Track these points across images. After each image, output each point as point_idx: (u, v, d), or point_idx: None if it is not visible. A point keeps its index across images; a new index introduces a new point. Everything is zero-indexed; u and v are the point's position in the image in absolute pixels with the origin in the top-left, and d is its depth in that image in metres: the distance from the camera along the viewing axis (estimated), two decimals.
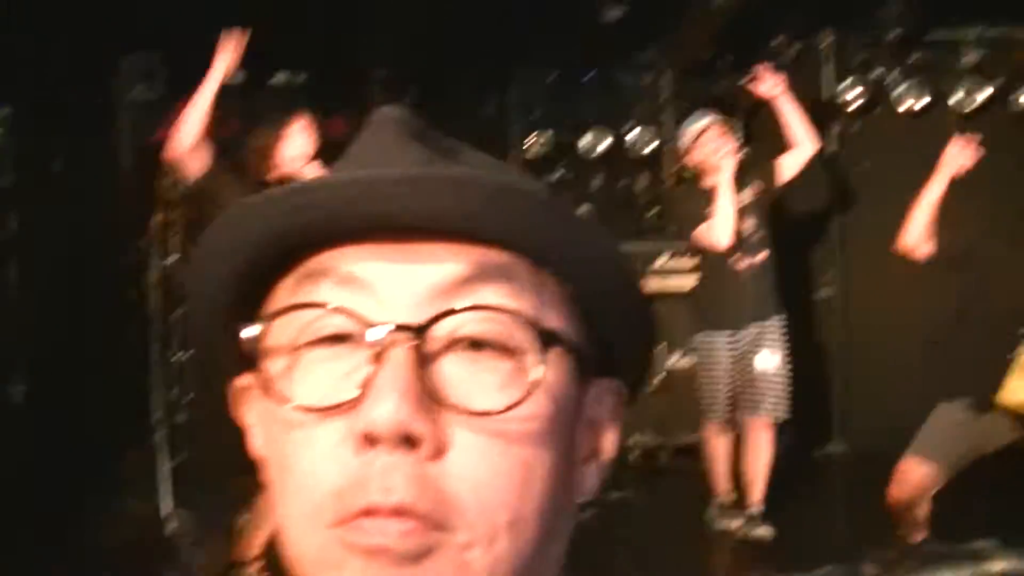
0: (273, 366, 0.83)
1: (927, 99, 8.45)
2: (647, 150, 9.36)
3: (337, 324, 0.81)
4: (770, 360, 6.40)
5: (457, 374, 0.79)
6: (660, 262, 8.22)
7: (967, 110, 8.26)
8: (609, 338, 0.90)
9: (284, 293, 0.85)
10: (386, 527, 0.76)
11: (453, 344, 0.80)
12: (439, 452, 0.77)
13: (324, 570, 0.78)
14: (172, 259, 7.76)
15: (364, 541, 0.76)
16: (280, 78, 10.40)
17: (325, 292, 0.82)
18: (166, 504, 6.62)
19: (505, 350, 0.81)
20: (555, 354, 0.82)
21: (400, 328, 0.78)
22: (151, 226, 8.64)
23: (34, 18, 8.33)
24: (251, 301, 0.87)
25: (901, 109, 8.50)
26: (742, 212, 6.36)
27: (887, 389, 8.14)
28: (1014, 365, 5.27)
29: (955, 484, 6.02)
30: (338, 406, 0.78)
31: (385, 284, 0.81)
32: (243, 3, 6.93)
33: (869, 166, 8.45)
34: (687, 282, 7.26)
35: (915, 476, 5.33)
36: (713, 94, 8.61)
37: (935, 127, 7.79)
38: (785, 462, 7.76)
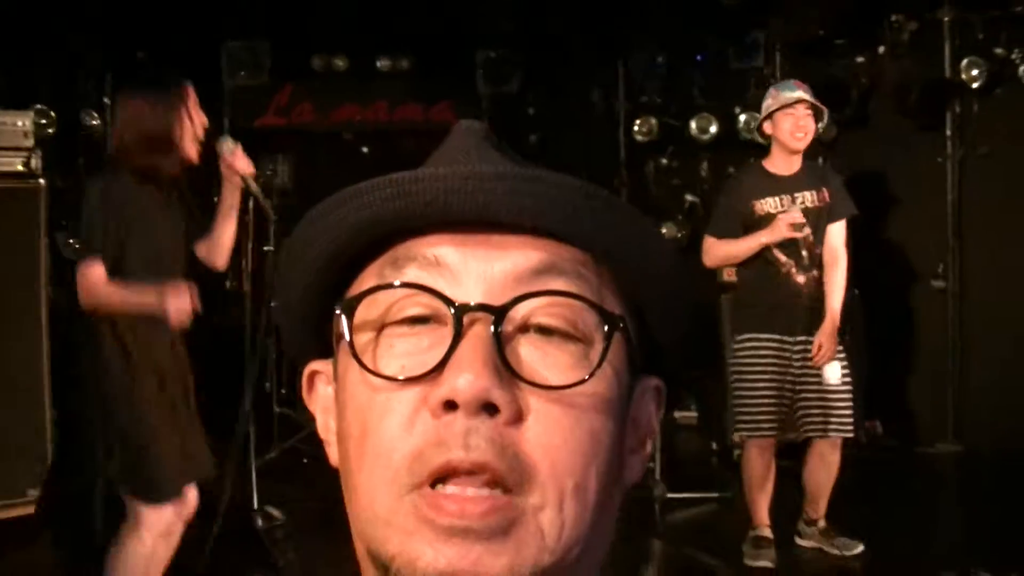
0: (360, 341, 0.89)
1: None
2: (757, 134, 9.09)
3: (420, 305, 0.88)
4: (836, 372, 5.88)
5: (531, 354, 0.87)
6: None
7: None
8: (655, 336, 0.99)
9: (371, 277, 0.92)
10: (466, 508, 0.81)
11: (526, 328, 0.87)
12: (516, 420, 0.83)
13: (396, 534, 0.83)
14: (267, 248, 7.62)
15: (444, 521, 0.81)
16: (385, 63, 10.36)
17: (411, 275, 0.89)
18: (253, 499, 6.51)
19: (572, 336, 0.88)
20: (617, 339, 0.89)
21: (481, 307, 0.85)
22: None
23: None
24: (339, 287, 0.96)
25: None
26: (805, 214, 5.90)
27: (1004, 385, 7.75)
28: None
29: None
30: (421, 376, 0.84)
31: (466, 270, 0.88)
32: None
33: (987, 151, 8.00)
34: None
35: None
36: (827, 76, 8.32)
37: None
38: (897, 461, 7.47)
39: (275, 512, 6.51)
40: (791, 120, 5.88)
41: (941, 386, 8.26)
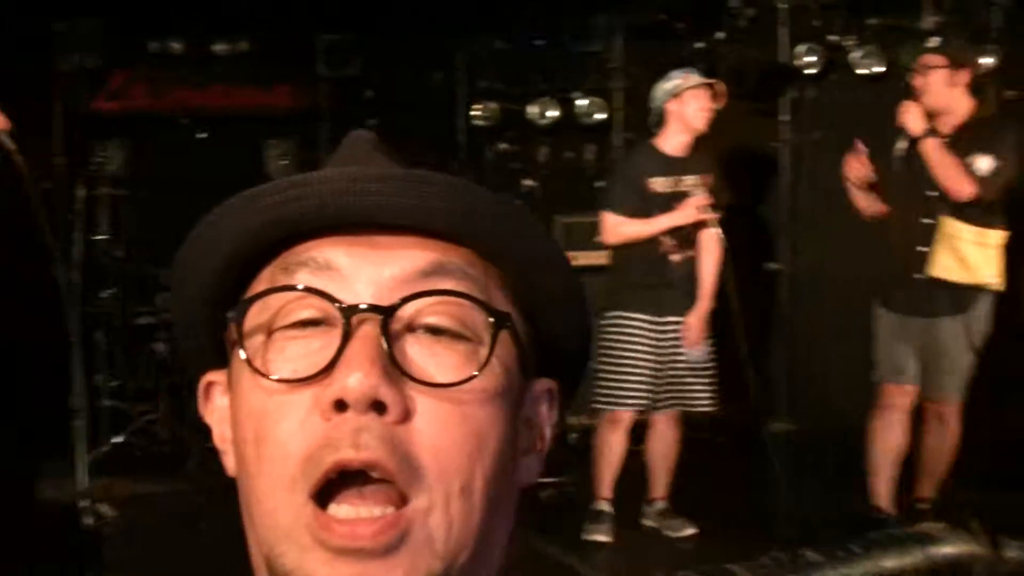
0: (251, 346, 0.91)
1: (883, 66, 8.15)
2: (596, 119, 9.10)
3: (311, 307, 0.89)
4: (702, 351, 6.07)
5: (419, 352, 0.88)
6: None
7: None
8: (548, 339, 1.00)
9: (263, 282, 0.93)
10: (357, 530, 0.82)
11: (415, 328, 0.89)
12: (404, 418, 0.85)
13: (293, 549, 0.84)
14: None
15: (336, 543, 0.82)
16: (222, 46, 10.12)
17: (302, 279, 0.90)
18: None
19: (461, 336, 0.90)
20: (504, 336, 0.91)
21: (370, 308, 0.87)
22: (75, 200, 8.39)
23: None
24: (233, 295, 0.95)
25: (859, 73, 8.20)
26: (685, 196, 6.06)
27: (835, 365, 7.97)
28: (938, 239, 5.66)
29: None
30: (311, 377, 0.86)
31: (356, 273, 0.89)
32: None
33: (821, 136, 8.23)
34: None
35: None
36: (666, 61, 8.36)
37: (892, 94, 7.59)
38: (731, 441, 7.55)
39: (105, 509, 6.26)
40: (699, 100, 6.08)
41: (774, 366, 8.42)
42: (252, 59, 10.15)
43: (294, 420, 0.85)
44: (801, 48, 8.35)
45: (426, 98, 10.03)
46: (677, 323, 6.02)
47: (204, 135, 10.15)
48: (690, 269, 6.08)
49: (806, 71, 8.37)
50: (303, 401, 0.86)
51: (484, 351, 0.89)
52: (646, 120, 6.37)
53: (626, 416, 6.07)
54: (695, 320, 6.02)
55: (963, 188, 5.58)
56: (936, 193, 5.69)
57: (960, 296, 5.73)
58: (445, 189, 0.91)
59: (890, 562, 2.99)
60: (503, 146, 9.80)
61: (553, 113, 9.39)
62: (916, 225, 5.77)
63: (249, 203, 0.92)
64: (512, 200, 1.01)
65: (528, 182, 9.61)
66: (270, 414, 0.87)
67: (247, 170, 8.96)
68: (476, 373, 0.88)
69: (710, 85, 6.17)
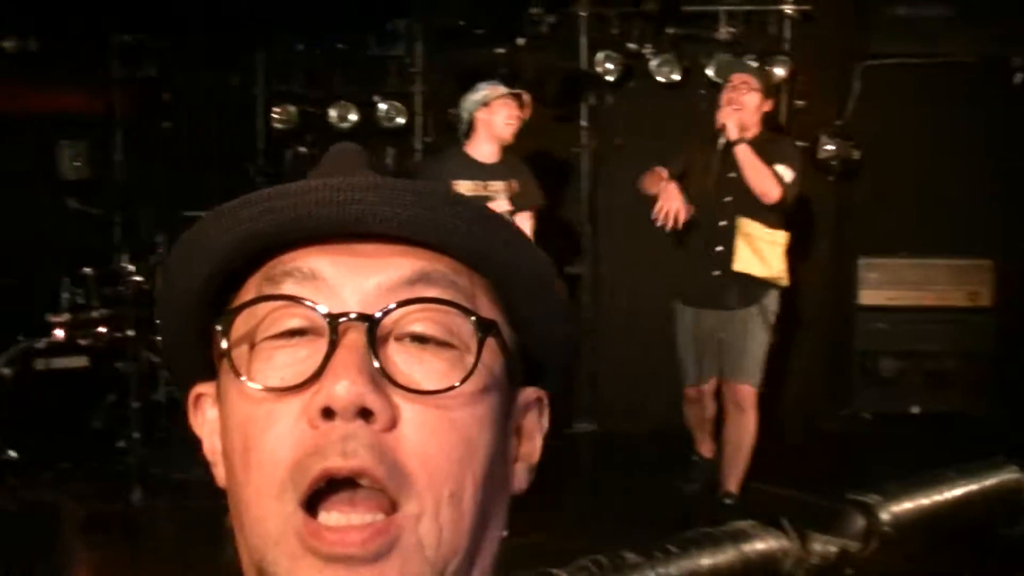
0: (238, 355, 0.91)
1: (680, 74, 8.40)
2: (397, 123, 9.09)
3: (297, 316, 0.90)
4: None
5: (405, 360, 0.88)
6: None
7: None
8: (534, 348, 1.01)
9: (249, 292, 0.94)
10: (347, 537, 0.83)
11: (401, 336, 0.89)
12: (391, 426, 0.85)
13: (284, 557, 0.85)
14: None
15: (326, 550, 0.83)
16: (10, 43, 9.77)
17: (288, 289, 0.90)
18: None
19: (447, 343, 0.90)
20: (491, 344, 0.91)
21: (356, 317, 0.87)
22: None
23: None
24: (218, 304, 0.96)
25: (657, 81, 8.42)
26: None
27: (635, 366, 8.12)
28: (737, 236, 6.15)
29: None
30: (299, 385, 0.86)
31: (342, 282, 0.90)
32: None
33: (621, 142, 8.42)
34: None
35: None
36: (467, 66, 8.41)
37: (689, 101, 7.80)
38: None
39: None
40: (507, 110, 6.29)
41: (577, 368, 8.47)
42: (43, 58, 9.83)
43: (282, 428, 0.86)
44: (601, 55, 8.50)
45: (225, 101, 9.85)
46: None
47: None
48: None
49: (605, 78, 8.52)
50: (291, 409, 0.86)
51: (470, 359, 0.90)
52: (446, 125, 6.47)
53: None
54: None
55: (773, 192, 6.03)
56: (730, 198, 6.13)
57: (752, 290, 6.21)
58: (430, 198, 0.92)
59: (706, 560, 3.06)
60: (303, 149, 9.65)
61: (353, 117, 9.29)
62: (713, 227, 6.18)
63: (233, 213, 0.92)
64: (498, 214, 0.99)
65: None
66: (257, 422, 0.87)
67: (38, 172, 8.70)
68: (462, 380, 0.88)
69: (518, 95, 6.35)
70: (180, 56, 9.61)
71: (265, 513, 0.86)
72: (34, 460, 6.66)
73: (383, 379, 0.85)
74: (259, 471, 0.86)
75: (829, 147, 8.38)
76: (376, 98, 9.27)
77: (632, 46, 8.45)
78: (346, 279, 0.90)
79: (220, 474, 0.96)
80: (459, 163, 6.31)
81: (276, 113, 9.66)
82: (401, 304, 0.89)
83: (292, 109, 9.57)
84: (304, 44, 9.64)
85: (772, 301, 6.31)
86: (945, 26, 8.17)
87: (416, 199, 0.91)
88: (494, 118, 6.28)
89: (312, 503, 0.85)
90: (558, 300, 1.02)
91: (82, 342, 6.97)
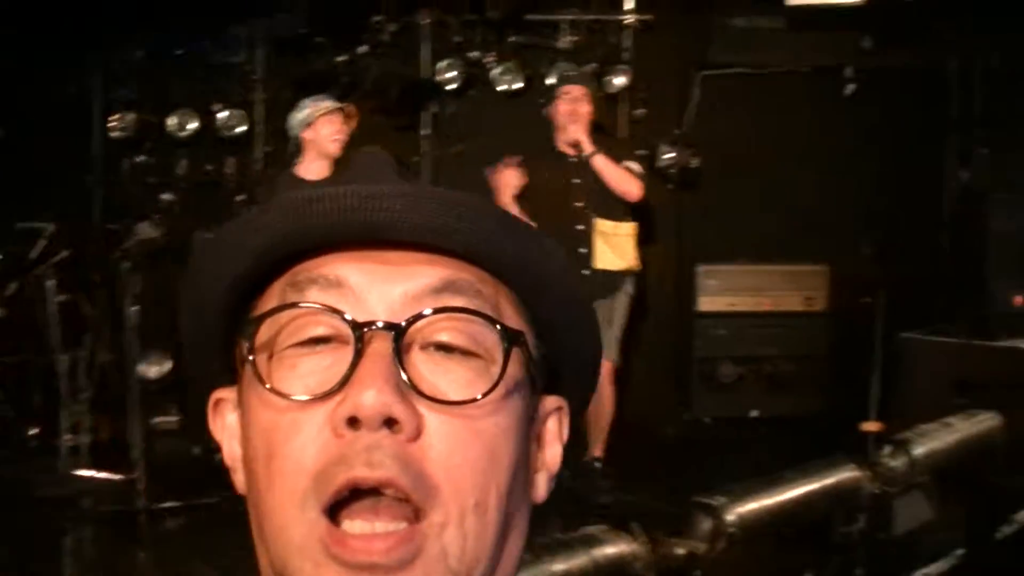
0: (261, 363, 0.90)
1: (521, 83, 8.48)
2: (237, 131, 8.97)
3: (322, 324, 0.89)
4: None
5: (431, 370, 0.88)
6: None
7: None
8: (556, 357, 1.00)
9: (272, 299, 0.93)
10: (372, 545, 0.83)
11: (427, 346, 0.89)
12: (416, 435, 0.85)
13: (308, 565, 0.84)
14: None
15: (350, 558, 0.83)
16: None
17: (312, 296, 0.90)
18: None
19: (472, 353, 0.90)
20: (516, 355, 0.91)
21: (383, 326, 0.86)
22: None
23: None
24: (242, 312, 0.95)
25: (499, 89, 8.47)
26: None
27: None
28: (594, 236, 6.55)
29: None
30: (324, 395, 0.86)
31: (367, 290, 0.89)
32: None
33: (463, 148, 8.43)
34: None
35: None
36: (308, 73, 8.36)
37: (531, 109, 7.86)
38: None
39: None
40: (331, 126, 6.33)
41: None
42: None
43: (306, 437, 0.86)
44: (442, 64, 8.53)
45: (59, 108, 9.61)
46: None
47: None
48: None
49: (447, 86, 8.55)
50: (315, 418, 0.86)
51: (495, 368, 0.89)
52: (287, 133, 6.45)
53: None
54: None
55: (634, 189, 6.48)
56: (581, 203, 6.45)
57: (614, 280, 6.67)
58: (457, 207, 0.91)
59: (559, 565, 3.08)
60: (141, 158, 9.45)
61: (193, 125, 9.12)
62: (571, 231, 6.43)
63: (258, 219, 0.92)
64: (522, 221, 0.99)
65: (167, 196, 9.30)
66: (281, 430, 0.87)
67: None
68: (487, 392, 0.88)
69: (341, 109, 6.41)
70: (12, 62, 9.36)
71: (288, 521, 0.86)
72: None
73: (408, 389, 0.85)
74: (282, 479, 0.86)
75: (669, 155, 8.52)
76: (216, 106, 9.14)
77: (474, 54, 8.49)
78: (372, 287, 0.90)
79: (239, 480, 0.96)
80: (291, 187, 6.24)
81: (113, 121, 9.44)
82: (427, 314, 0.88)
83: (130, 116, 9.34)
84: (142, 50, 9.46)
85: (630, 286, 6.84)
86: (780, 37, 8.35)
87: (443, 208, 0.90)
88: (319, 135, 6.35)
89: (333, 511, 0.85)
90: (583, 310, 1.03)
91: None
